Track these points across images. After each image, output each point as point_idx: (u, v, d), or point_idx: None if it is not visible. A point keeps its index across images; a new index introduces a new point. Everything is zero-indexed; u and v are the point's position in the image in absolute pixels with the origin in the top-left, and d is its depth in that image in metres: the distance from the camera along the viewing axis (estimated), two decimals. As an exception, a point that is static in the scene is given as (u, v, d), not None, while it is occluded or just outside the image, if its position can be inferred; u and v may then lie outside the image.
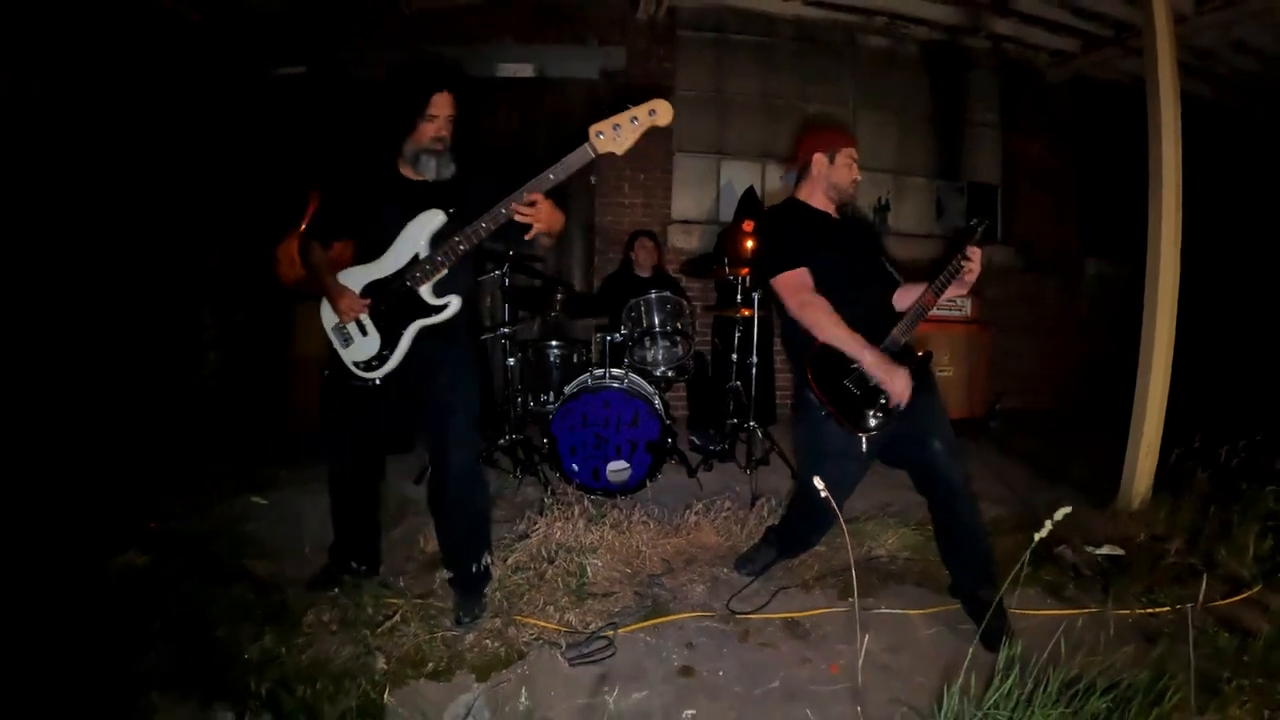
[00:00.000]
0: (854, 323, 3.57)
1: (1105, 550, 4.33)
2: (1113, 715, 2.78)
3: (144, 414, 6.51)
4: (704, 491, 5.60)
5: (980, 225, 3.69)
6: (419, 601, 3.83)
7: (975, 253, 3.60)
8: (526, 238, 3.43)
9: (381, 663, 3.29)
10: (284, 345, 7.08)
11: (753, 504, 5.22)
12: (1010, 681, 2.71)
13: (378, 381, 3.63)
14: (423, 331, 3.57)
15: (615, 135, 3.17)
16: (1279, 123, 9.17)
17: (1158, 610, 3.93)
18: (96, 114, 6.57)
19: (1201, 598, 3.61)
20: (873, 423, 3.57)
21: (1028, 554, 2.69)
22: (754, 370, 6.45)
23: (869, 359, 3.51)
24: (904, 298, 3.87)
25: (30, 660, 3.10)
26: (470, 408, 3.70)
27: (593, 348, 6.40)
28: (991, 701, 2.68)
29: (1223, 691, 3.13)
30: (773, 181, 9.09)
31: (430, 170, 3.54)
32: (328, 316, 3.69)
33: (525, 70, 8.23)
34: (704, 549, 4.63)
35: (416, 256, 3.49)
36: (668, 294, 6.24)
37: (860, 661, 2.88)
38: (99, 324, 6.43)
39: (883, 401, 3.55)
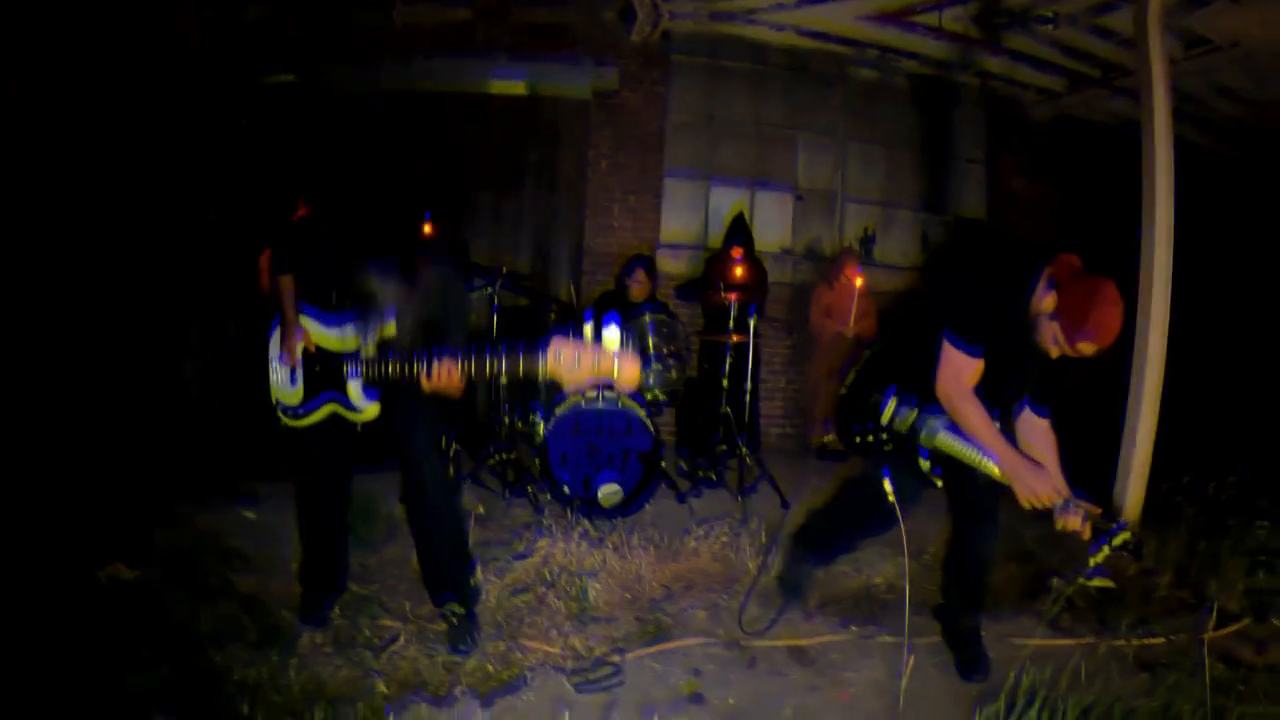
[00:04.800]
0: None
1: (1098, 582, 4.39)
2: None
3: (128, 423, 6.40)
4: (695, 518, 5.55)
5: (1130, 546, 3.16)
6: (416, 623, 3.77)
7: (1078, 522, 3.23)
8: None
9: (380, 687, 3.20)
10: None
11: (744, 523, 5.23)
12: (1035, 708, 2.72)
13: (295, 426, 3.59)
14: (337, 417, 3.53)
15: (574, 365, 2.94)
16: (1262, 166, 9.29)
17: (1153, 641, 3.96)
18: (96, 124, 6.54)
19: (1206, 626, 3.66)
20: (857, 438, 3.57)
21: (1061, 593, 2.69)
22: (747, 396, 6.45)
23: (1010, 466, 3.25)
24: (1029, 431, 3.50)
25: (16, 675, 3.00)
26: (425, 428, 3.61)
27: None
28: None
29: (1228, 720, 3.16)
30: (762, 208, 9.11)
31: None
32: (272, 345, 3.63)
33: (517, 86, 8.19)
34: (703, 574, 4.59)
35: (360, 342, 3.42)
36: (664, 316, 6.20)
37: (904, 683, 2.94)
38: (84, 332, 6.35)
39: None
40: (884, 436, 3.49)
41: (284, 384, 3.57)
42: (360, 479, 4.10)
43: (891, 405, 3.45)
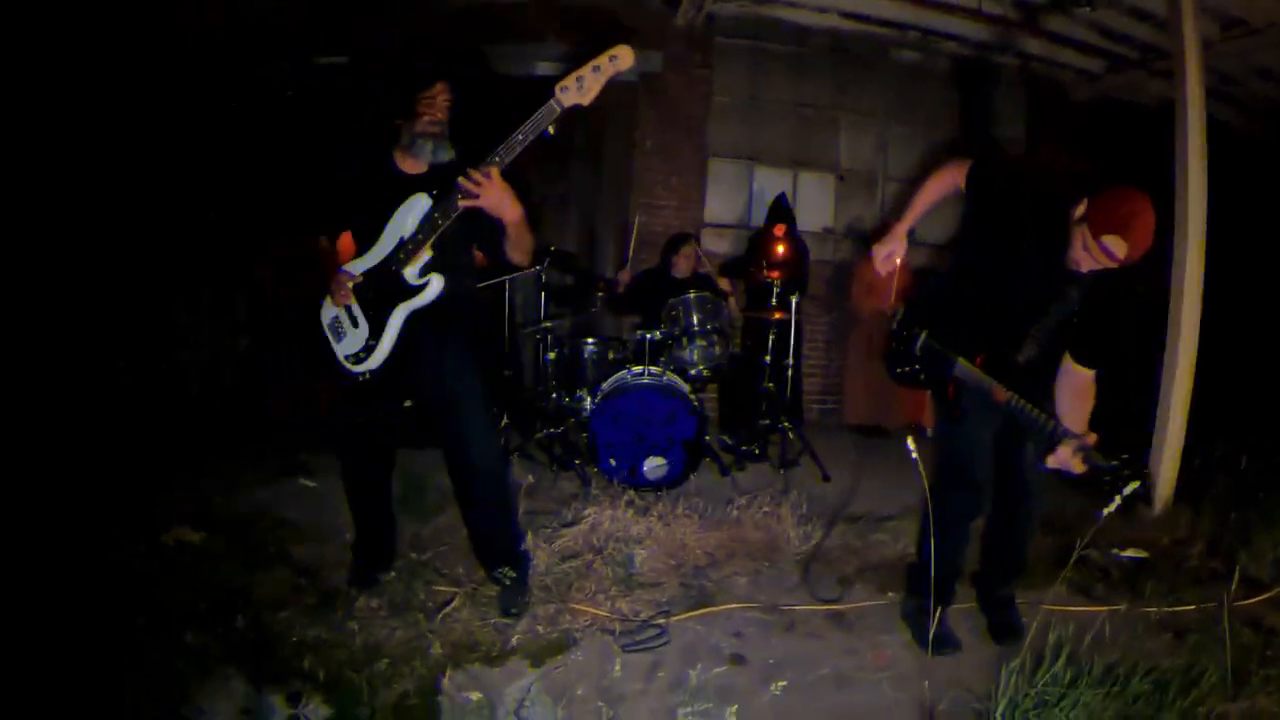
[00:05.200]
0: (964, 334, 3.45)
1: (1130, 553, 4.48)
2: (1152, 697, 2.94)
3: (176, 401, 6.66)
4: (738, 491, 5.66)
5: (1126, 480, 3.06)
6: (470, 588, 3.93)
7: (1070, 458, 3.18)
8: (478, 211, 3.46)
9: (436, 647, 3.35)
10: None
11: (785, 494, 5.39)
12: (1060, 663, 2.85)
13: (368, 375, 3.65)
14: (411, 318, 3.59)
15: (579, 87, 3.21)
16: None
17: (1183, 609, 4.06)
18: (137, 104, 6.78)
19: (1231, 593, 3.74)
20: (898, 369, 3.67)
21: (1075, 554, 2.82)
22: (789, 372, 6.61)
23: (893, 231, 3.66)
24: (1067, 382, 3.38)
25: (82, 631, 3.18)
26: (476, 397, 3.71)
27: (628, 346, 6.50)
28: (1043, 681, 2.83)
29: (1251, 681, 3.27)
30: (804, 189, 9.24)
31: (426, 154, 3.54)
32: (326, 310, 3.74)
33: (564, 70, 8.24)
34: (745, 544, 4.74)
35: (402, 240, 3.52)
36: (707, 294, 6.33)
37: (931, 636, 3.09)
38: (137, 314, 6.60)
39: (917, 368, 3.59)
40: (918, 367, 3.59)
41: (348, 332, 3.68)
42: (410, 456, 4.31)
43: (922, 338, 3.55)
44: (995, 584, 3.91)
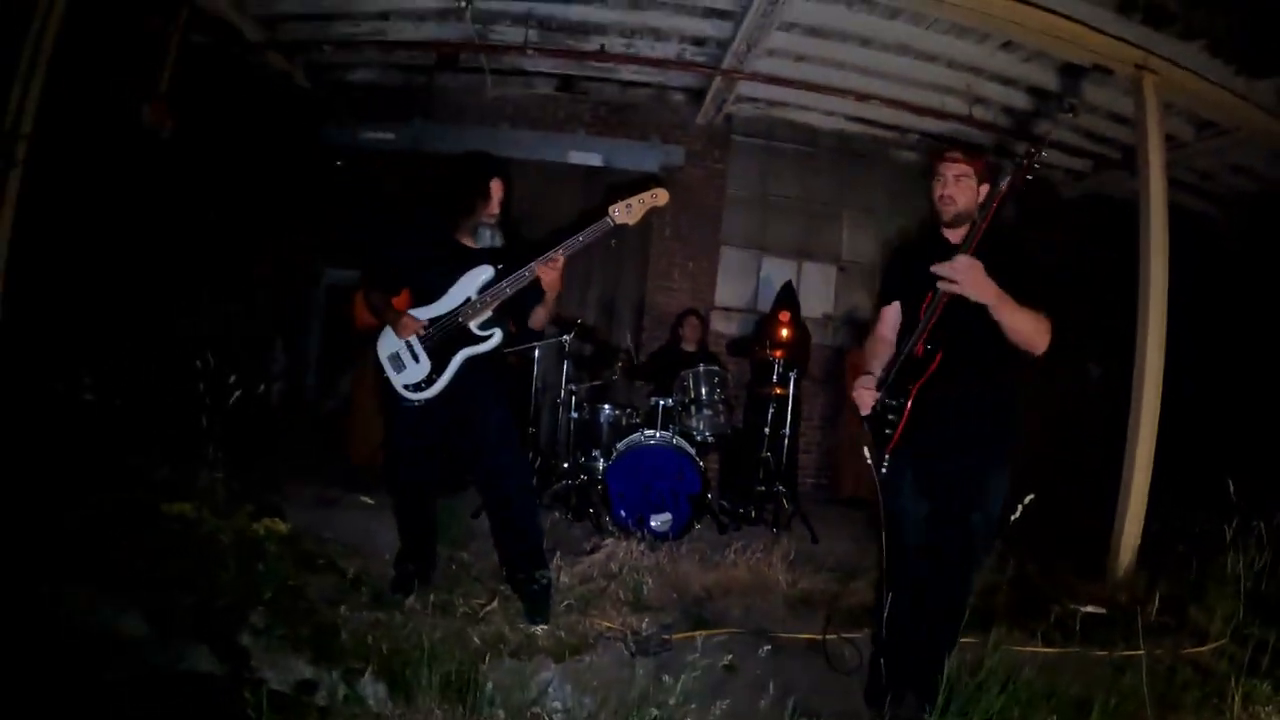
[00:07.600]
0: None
1: (1090, 609, 4.91)
2: (1083, 703, 3.46)
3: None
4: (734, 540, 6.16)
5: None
6: (501, 599, 4.48)
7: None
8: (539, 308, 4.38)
9: (475, 640, 3.90)
10: (349, 382, 8.03)
11: (776, 545, 5.96)
12: (997, 658, 3.32)
13: (423, 402, 4.31)
14: (468, 361, 4.29)
15: (628, 211, 4.10)
16: (1272, 236, 9.81)
17: (1132, 654, 4.34)
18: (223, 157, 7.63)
19: (1152, 626, 4.16)
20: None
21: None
22: (785, 443, 7.20)
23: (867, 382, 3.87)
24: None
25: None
26: (513, 431, 4.49)
27: (640, 412, 7.12)
28: (985, 670, 3.30)
29: (1180, 703, 3.83)
30: (807, 277, 9.91)
31: (485, 239, 4.42)
32: (384, 346, 4.36)
33: (594, 159, 9.15)
34: (739, 583, 5.33)
35: (468, 299, 4.26)
36: (716, 368, 6.99)
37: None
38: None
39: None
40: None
41: (409, 365, 4.31)
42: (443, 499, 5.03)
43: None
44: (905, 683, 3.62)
